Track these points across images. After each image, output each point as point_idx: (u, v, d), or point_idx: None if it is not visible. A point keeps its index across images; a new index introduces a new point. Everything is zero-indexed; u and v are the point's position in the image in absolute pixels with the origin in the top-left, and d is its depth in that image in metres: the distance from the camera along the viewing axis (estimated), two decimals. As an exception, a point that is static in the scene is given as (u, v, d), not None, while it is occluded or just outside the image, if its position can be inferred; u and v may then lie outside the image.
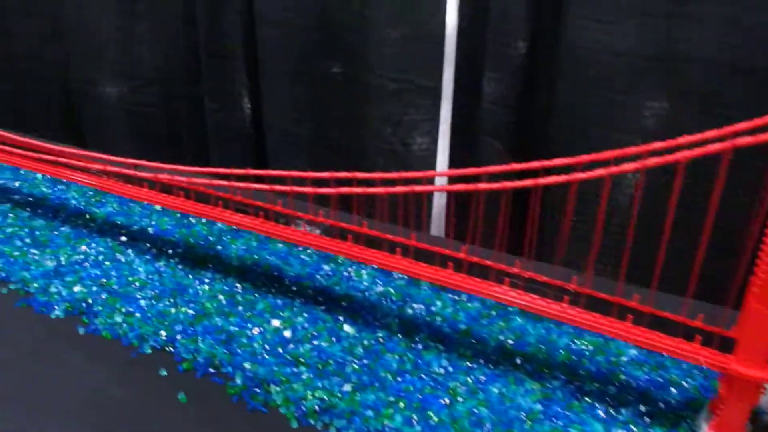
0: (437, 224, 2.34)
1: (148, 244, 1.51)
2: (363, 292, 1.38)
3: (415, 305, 1.34)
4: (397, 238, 1.18)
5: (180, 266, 1.44)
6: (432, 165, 2.40)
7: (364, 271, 1.44)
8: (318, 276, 1.43)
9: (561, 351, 1.23)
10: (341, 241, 1.20)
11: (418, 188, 1.13)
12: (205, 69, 2.92)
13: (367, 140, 2.52)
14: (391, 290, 1.39)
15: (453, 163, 2.38)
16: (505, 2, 2.17)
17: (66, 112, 3.33)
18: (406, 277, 1.39)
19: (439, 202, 2.34)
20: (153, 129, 3.14)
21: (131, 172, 1.37)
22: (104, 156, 1.49)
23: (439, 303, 1.35)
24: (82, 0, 3.02)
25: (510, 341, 1.25)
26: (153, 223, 1.60)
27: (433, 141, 2.40)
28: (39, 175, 1.77)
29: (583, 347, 1.24)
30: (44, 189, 1.75)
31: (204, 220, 1.58)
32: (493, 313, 1.33)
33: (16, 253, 1.46)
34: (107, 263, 1.44)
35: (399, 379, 1.16)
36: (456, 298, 1.36)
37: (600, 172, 0.97)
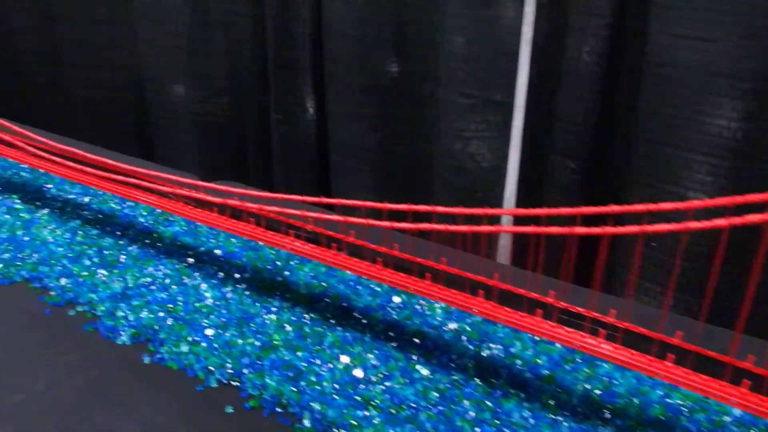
0: (503, 252, 2.26)
1: (215, 268, 1.48)
2: (436, 329, 1.30)
3: (492, 345, 1.26)
4: (478, 278, 1.11)
5: (247, 292, 1.40)
6: (500, 181, 2.31)
7: (437, 306, 1.36)
8: (389, 308, 1.36)
9: (655, 405, 1.12)
10: (419, 279, 1.13)
11: (504, 228, 1.04)
12: (272, 80, 2.91)
13: (434, 155, 2.45)
14: (467, 327, 1.31)
15: (522, 180, 2.29)
16: (585, 17, 2.07)
17: (137, 122, 3.37)
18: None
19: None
20: (220, 138, 3.15)
21: (202, 196, 1.33)
22: (173, 177, 1.46)
23: (518, 344, 1.27)
24: (155, 11, 3.05)
25: (597, 391, 1.16)
26: (220, 244, 1.57)
27: (502, 157, 2.30)
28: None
29: (680, 402, 1.13)
30: (113, 205, 1.74)
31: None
32: (578, 358, 1.23)
33: (85, 273, 1.44)
34: (174, 287, 1.41)
35: (477, 430, 1.08)
36: (536, 338, 1.27)
37: (673, 226, 0.88)
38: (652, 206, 0.92)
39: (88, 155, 1.53)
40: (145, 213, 1.70)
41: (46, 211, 1.69)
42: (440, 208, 1.11)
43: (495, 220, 1.88)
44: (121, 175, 1.49)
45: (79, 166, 1.52)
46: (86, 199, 1.76)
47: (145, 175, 1.47)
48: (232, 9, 2.90)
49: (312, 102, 2.80)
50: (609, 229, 0.93)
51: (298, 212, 1.23)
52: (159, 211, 1.68)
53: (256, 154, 3.11)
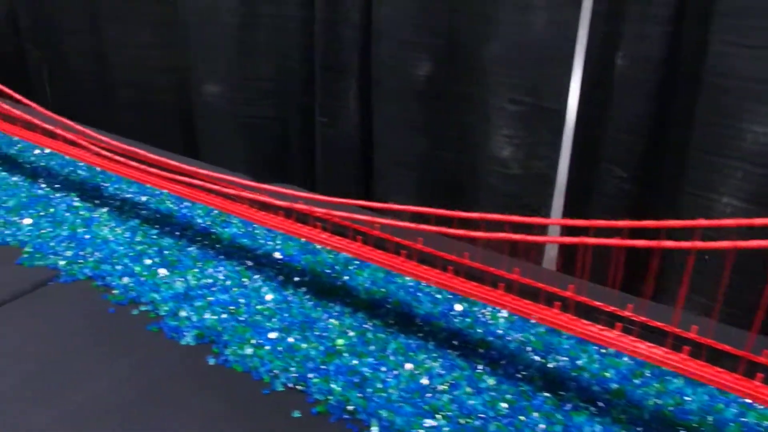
0: (549, 260, 2.24)
1: (274, 270, 1.48)
2: (501, 338, 1.29)
3: (559, 357, 1.24)
4: (554, 289, 1.09)
5: (307, 296, 1.40)
6: (548, 189, 2.29)
7: (500, 315, 1.35)
8: (451, 316, 1.35)
9: (731, 424, 1.10)
10: (492, 288, 1.12)
11: (588, 240, 1.02)
12: (318, 82, 2.91)
13: (481, 161, 2.43)
14: (531, 338, 1.29)
15: (571, 188, 2.27)
16: (642, 24, 2.04)
17: (182, 122, 3.40)
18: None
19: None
20: (265, 140, 3.16)
21: (267, 199, 1.33)
22: (232, 178, 1.47)
23: (584, 356, 1.25)
24: (203, 12, 3.08)
25: (669, 408, 1.13)
26: (278, 246, 1.57)
27: (551, 165, 2.28)
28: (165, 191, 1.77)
29: (754, 421, 1.11)
30: (170, 205, 1.75)
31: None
32: (647, 372, 1.21)
33: (146, 273, 1.45)
34: (235, 289, 1.41)
35: (549, 443, 1.06)
36: (603, 351, 1.25)
37: (724, 244, 0.86)
38: (707, 222, 0.91)
39: (149, 155, 1.55)
40: (202, 213, 1.71)
41: (105, 209, 1.71)
42: (492, 216, 1.10)
43: (544, 229, 1.86)
44: (181, 175, 1.50)
45: (140, 166, 1.53)
46: (143, 198, 1.78)
47: (205, 176, 1.47)
48: (281, 11, 2.91)
49: (357, 105, 2.80)
50: (666, 243, 0.93)
51: (366, 218, 1.22)
52: (216, 211, 1.69)
53: (300, 157, 3.12)
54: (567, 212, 2.27)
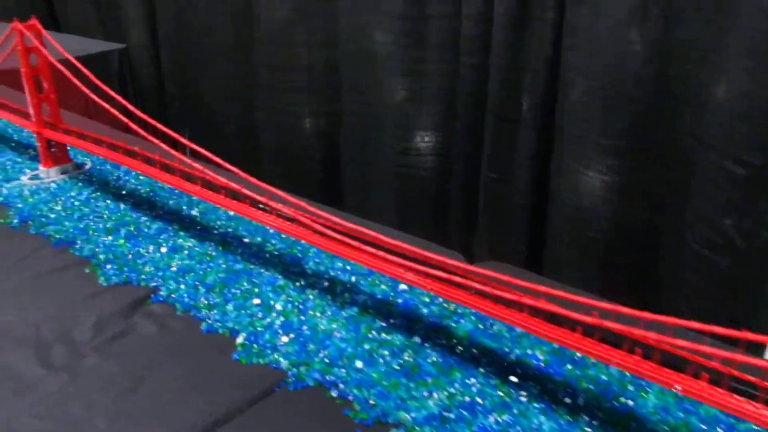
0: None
1: (538, 387, 1.23)
2: None
3: None
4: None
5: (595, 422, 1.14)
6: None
7: None
8: None
9: None
10: None
11: None
12: (488, 133, 2.69)
13: (693, 227, 2.12)
14: None
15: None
16: None
17: (327, 169, 3.25)
18: None
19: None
20: (420, 193, 2.96)
21: (508, 294, 1.09)
22: (447, 259, 1.23)
23: None
24: (361, 56, 2.92)
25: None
26: (537, 355, 1.31)
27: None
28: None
29: None
30: (384, 288, 1.53)
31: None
32: None
33: (386, 382, 1.23)
34: (502, 414, 1.16)
35: None
36: None
37: None
38: None
39: (368, 231, 1.33)
40: (426, 300, 1.48)
41: (315, 291, 1.51)
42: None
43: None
44: (389, 253, 1.28)
45: (361, 246, 1.31)
46: (352, 278, 1.57)
47: (417, 255, 1.25)
48: (450, 57, 2.71)
49: (535, 160, 2.55)
50: None
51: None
52: (441, 300, 1.46)
53: (459, 214, 2.89)
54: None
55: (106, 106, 1.78)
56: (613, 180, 2.31)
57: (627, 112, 2.21)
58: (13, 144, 2.41)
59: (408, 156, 2.85)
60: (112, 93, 1.82)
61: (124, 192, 2.02)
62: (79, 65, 1.88)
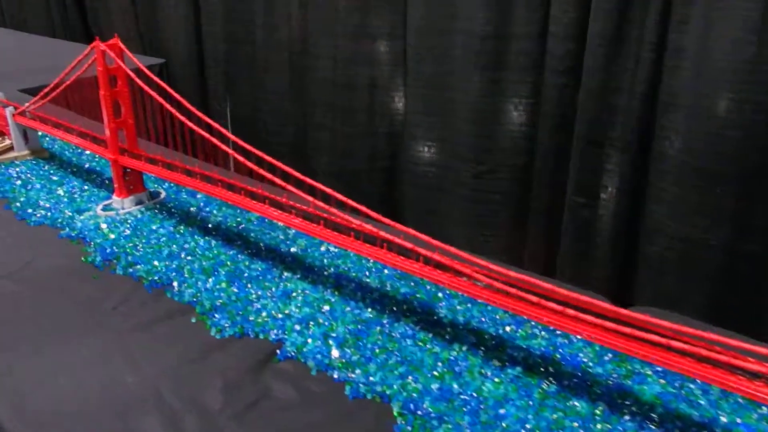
0: None
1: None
2: None
3: None
4: None
5: None
6: None
7: None
8: None
9: None
10: None
11: None
12: (574, 156, 2.53)
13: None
14: None
15: None
16: None
17: (384, 188, 3.09)
18: None
19: None
20: (492, 216, 2.79)
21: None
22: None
23: None
24: (432, 81, 2.76)
25: None
26: (748, 424, 1.14)
27: None
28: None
29: None
30: (563, 350, 1.35)
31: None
32: None
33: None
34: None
35: None
36: None
37: None
38: None
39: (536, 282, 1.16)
40: (590, 353, 1.31)
41: (463, 346, 1.33)
42: None
43: None
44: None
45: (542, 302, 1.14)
46: (507, 329, 1.39)
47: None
48: (533, 78, 2.56)
49: (625, 185, 2.39)
50: None
51: None
52: (611, 356, 1.29)
53: (540, 239, 2.72)
54: None
55: (206, 135, 1.60)
56: (719, 207, 2.16)
57: (736, 138, 2.06)
58: (75, 169, 2.22)
59: (479, 179, 2.69)
60: (208, 120, 1.64)
61: (210, 225, 1.84)
62: (175, 94, 1.71)
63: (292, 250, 1.72)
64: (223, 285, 1.55)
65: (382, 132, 3.00)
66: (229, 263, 1.64)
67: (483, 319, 1.42)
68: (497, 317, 1.42)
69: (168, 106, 1.70)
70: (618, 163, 2.38)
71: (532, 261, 2.74)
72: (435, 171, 2.88)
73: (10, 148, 2.31)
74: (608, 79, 2.32)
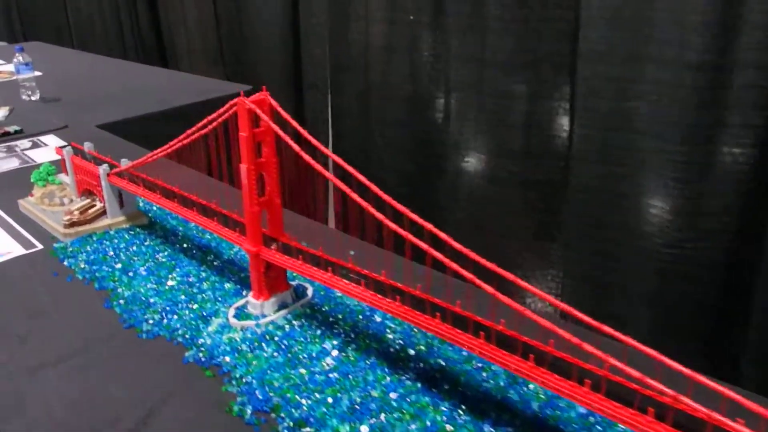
0: None
1: None
2: None
3: None
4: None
5: None
6: None
7: None
8: None
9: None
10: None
11: None
12: None
13: None
14: None
15: None
16: None
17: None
18: None
19: None
20: (680, 296, 2.26)
21: None
22: None
23: None
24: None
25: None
26: None
27: None
28: None
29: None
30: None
31: None
32: None
33: None
34: None
35: None
36: None
37: None
38: None
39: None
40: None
41: None
42: None
43: None
44: None
45: None
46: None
47: None
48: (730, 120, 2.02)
49: None
50: None
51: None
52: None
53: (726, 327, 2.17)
54: None
55: (392, 224, 1.10)
56: None
57: None
58: (185, 245, 1.76)
59: (685, 248, 2.16)
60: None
61: (392, 347, 1.34)
62: (339, 160, 1.22)
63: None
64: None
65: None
66: (430, 410, 1.14)
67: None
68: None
69: (342, 185, 1.20)
70: None
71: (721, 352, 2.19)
72: (599, 228, 2.36)
73: (102, 213, 1.86)
74: None
